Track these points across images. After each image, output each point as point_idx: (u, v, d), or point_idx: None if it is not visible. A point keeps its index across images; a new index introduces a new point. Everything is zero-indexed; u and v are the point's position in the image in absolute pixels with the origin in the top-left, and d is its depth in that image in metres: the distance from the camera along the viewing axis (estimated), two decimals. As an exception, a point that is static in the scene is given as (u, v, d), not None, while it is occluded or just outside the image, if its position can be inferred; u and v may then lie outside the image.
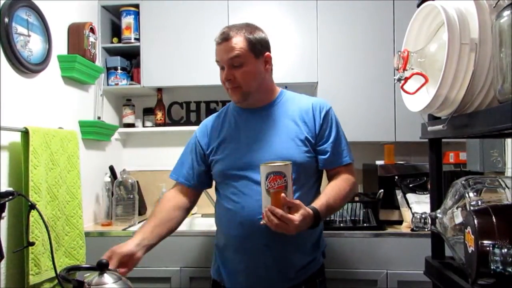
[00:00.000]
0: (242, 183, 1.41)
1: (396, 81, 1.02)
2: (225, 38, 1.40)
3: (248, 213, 1.37)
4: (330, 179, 1.50)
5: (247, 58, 1.40)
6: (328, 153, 1.43)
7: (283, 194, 1.21)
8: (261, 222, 1.24)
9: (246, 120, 1.49)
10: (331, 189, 1.41)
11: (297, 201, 1.24)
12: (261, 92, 1.47)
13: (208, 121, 1.60)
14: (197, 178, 1.55)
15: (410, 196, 2.10)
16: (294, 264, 1.41)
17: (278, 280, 1.40)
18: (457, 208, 1.01)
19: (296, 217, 1.21)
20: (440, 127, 0.97)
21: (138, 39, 2.49)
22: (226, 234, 1.46)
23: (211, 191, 1.66)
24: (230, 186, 1.44)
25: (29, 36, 1.81)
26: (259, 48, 1.43)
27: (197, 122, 2.61)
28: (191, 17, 2.43)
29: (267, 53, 1.46)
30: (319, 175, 1.53)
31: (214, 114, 1.62)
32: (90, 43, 2.20)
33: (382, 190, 2.12)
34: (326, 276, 1.55)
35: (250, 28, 1.44)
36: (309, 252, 1.45)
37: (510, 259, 0.75)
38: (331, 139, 1.44)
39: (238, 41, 1.40)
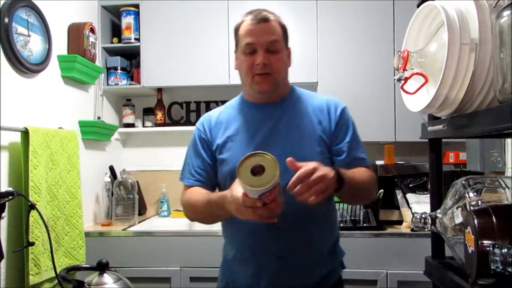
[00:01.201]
0: None
1: (396, 81, 1.02)
2: (264, 19, 1.26)
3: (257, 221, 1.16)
4: None
5: (282, 45, 1.30)
6: (344, 154, 1.29)
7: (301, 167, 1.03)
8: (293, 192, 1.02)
9: (256, 116, 1.33)
10: (352, 170, 1.25)
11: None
12: (282, 85, 1.34)
13: (212, 114, 1.41)
14: (210, 174, 1.35)
15: (410, 196, 2.10)
16: (310, 276, 1.28)
17: None
18: (457, 208, 1.01)
19: (313, 164, 1.04)
20: (440, 127, 0.97)
21: (138, 39, 2.49)
22: (234, 245, 1.33)
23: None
24: None
25: (29, 36, 1.81)
26: (287, 38, 1.35)
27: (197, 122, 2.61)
28: (191, 17, 2.43)
29: (290, 47, 1.38)
30: None
31: (219, 108, 1.43)
32: (90, 43, 2.20)
33: (382, 190, 2.12)
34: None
35: (278, 16, 1.33)
36: (326, 262, 1.32)
37: (510, 259, 0.74)
38: (347, 139, 1.30)
39: (276, 26, 1.29)
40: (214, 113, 1.41)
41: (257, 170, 0.99)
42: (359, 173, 1.26)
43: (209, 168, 1.35)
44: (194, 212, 1.34)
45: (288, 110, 1.33)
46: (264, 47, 1.25)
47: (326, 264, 1.32)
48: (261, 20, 1.26)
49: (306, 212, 1.20)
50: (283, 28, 1.31)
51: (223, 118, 1.37)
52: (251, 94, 1.35)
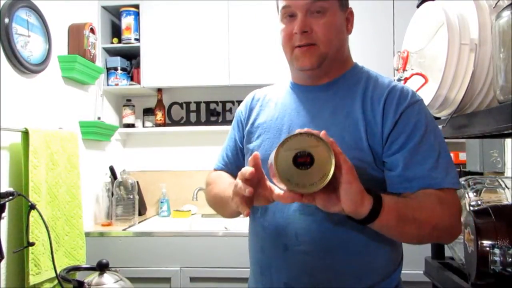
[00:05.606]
0: None
1: (396, 81, 1.02)
2: None
3: (273, 236, 0.91)
4: None
5: (332, 5, 0.96)
6: (398, 168, 0.89)
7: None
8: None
9: (295, 103, 1.04)
10: (407, 199, 0.87)
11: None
12: (336, 61, 1.01)
13: (257, 93, 1.15)
14: (241, 160, 1.12)
15: (410, 196, 2.10)
16: None
17: None
18: (457, 208, 1.01)
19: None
20: (440, 127, 0.97)
21: (138, 40, 2.49)
22: (249, 254, 1.09)
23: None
24: None
25: (29, 36, 1.81)
26: None
27: (197, 123, 2.61)
28: (191, 17, 2.43)
29: (350, 8, 1.03)
30: None
31: (270, 86, 1.16)
32: (90, 44, 2.20)
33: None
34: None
35: None
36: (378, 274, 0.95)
37: (510, 259, 0.75)
38: (407, 147, 0.89)
39: None
40: (261, 92, 1.15)
41: (303, 161, 0.70)
42: (420, 202, 0.85)
43: (241, 154, 1.13)
44: (211, 197, 1.12)
45: (335, 98, 0.99)
46: (304, 9, 0.94)
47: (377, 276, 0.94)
48: None
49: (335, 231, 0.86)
50: None
51: (267, 99, 1.11)
52: (293, 73, 1.08)
